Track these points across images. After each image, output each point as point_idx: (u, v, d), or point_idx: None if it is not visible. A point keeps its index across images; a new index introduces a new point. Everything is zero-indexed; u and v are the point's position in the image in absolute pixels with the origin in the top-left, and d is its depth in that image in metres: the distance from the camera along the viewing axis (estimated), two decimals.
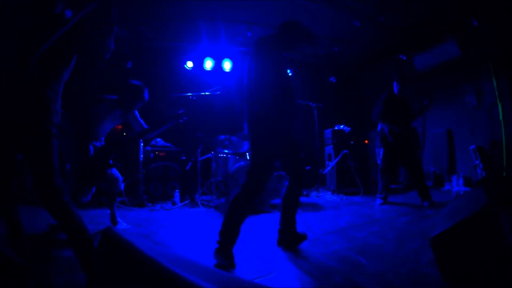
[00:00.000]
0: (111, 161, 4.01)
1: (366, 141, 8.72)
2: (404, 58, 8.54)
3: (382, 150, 5.98)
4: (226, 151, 6.57)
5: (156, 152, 7.04)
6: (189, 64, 8.29)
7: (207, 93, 6.61)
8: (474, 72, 7.44)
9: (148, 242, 2.19)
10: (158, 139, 7.25)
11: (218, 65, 8.37)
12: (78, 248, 2.45)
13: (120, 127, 6.81)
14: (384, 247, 3.32)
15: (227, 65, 8.36)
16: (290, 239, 3.43)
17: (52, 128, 2.52)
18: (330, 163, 7.92)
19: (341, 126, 8.02)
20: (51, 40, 2.42)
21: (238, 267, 2.84)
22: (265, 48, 3.46)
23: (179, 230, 4.36)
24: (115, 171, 4.26)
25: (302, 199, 6.79)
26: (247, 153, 6.44)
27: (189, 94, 6.57)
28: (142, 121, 4.47)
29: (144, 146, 6.73)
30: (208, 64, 8.27)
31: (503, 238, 2.13)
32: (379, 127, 6.02)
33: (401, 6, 6.60)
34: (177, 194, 6.33)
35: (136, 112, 4.47)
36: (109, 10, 2.64)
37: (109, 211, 4.38)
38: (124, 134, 6.17)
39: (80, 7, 2.51)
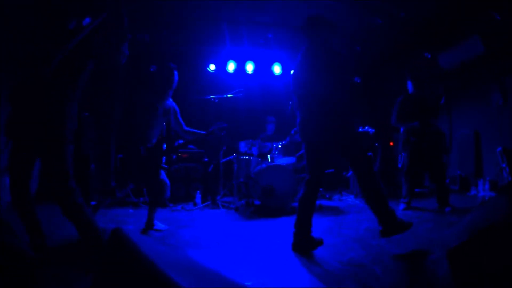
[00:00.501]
0: (163, 164, 4.12)
1: (391, 143, 8.58)
2: (429, 56, 8.32)
3: (405, 153, 5.86)
4: (248, 152, 6.60)
5: (179, 154, 7.13)
6: (212, 67, 8.36)
7: (229, 96, 6.64)
8: (499, 69, 7.18)
9: (158, 244, 2.20)
10: (181, 141, 7.34)
11: (240, 67, 8.41)
12: (88, 245, 2.62)
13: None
14: (402, 257, 3.27)
15: (249, 67, 8.39)
16: (304, 243, 3.41)
17: (67, 134, 2.67)
18: None
19: (366, 128, 7.90)
20: (66, 50, 2.52)
21: (248, 272, 2.84)
22: (325, 44, 3.66)
23: (196, 231, 4.39)
24: (165, 177, 4.32)
25: (325, 202, 6.80)
26: (269, 155, 6.45)
27: (212, 96, 6.62)
28: (182, 122, 4.57)
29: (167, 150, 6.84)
30: (231, 66, 8.33)
31: None
32: (401, 129, 5.92)
33: (420, 2, 6.45)
34: (198, 195, 6.38)
35: (178, 110, 4.57)
36: (121, 18, 2.72)
37: (131, 211, 4.47)
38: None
39: (93, 16, 2.60)
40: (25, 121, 2.65)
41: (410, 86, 5.85)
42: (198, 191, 6.49)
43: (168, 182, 4.52)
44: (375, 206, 3.43)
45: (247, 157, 6.39)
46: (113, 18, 2.69)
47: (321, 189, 7.20)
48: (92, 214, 2.75)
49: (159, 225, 4.38)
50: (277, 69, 8.63)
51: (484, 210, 2.93)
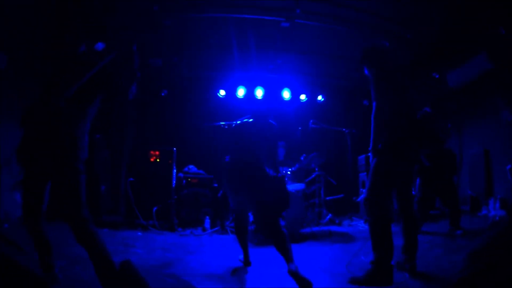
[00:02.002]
0: None
1: None
2: (437, 76, 8.29)
3: (418, 180, 5.83)
4: None
5: (189, 179, 7.16)
6: (222, 92, 8.47)
7: (238, 122, 6.68)
8: (508, 85, 7.13)
9: (166, 277, 2.22)
10: (191, 166, 7.39)
11: (250, 93, 8.50)
12: (99, 270, 2.62)
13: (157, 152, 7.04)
14: (410, 285, 3.21)
15: (259, 93, 8.47)
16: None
17: (79, 165, 2.75)
18: (363, 190, 7.78)
19: None
20: (79, 83, 2.63)
21: None
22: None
23: (203, 258, 4.36)
24: None
25: (334, 227, 6.74)
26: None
27: (222, 123, 6.67)
28: None
29: (176, 172, 6.89)
30: (241, 92, 8.42)
31: None
32: None
33: (425, 22, 6.49)
34: (207, 220, 6.39)
35: None
36: (131, 58, 2.81)
37: (140, 234, 4.40)
38: None
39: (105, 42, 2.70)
40: (37, 149, 2.71)
41: (427, 111, 5.85)
42: (207, 216, 6.49)
43: None
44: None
45: None
46: (125, 56, 2.78)
47: (330, 214, 7.18)
48: (103, 241, 2.75)
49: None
50: (286, 94, 8.70)
51: (492, 237, 2.89)
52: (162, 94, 8.42)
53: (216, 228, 6.26)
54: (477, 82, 7.40)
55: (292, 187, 6.33)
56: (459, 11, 6.09)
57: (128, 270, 1.92)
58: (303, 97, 8.96)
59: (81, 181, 2.74)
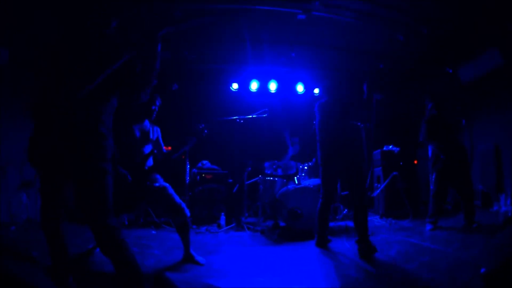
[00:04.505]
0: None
1: (415, 161, 8.45)
2: (450, 71, 8.19)
3: (434, 174, 5.78)
4: (273, 174, 6.56)
5: (203, 175, 7.11)
6: (235, 86, 8.41)
7: (253, 116, 6.60)
8: None
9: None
10: (205, 161, 7.34)
11: (263, 86, 8.43)
12: (127, 283, 2.40)
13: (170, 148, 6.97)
14: (436, 281, 3.22)
15: (272, 86, 8.40)
16: None
17: (106, 166, 2.43)
18: (379, 185, 7.71)
19: (390, 147, 7.80)
20: (103, 76, 2.39)
21: None
22: None
23: (224, 258, 4.26)
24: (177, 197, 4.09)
25: (350, 223, 6.67)
26: (296, 177, 6.40)
27: (236, 117, 6.59)
28: (162, 144, 4.39)
29: (190, 168, 6.83)
30: (254, 85, 8.35)
31: None
32: (430, 153, 5.85)
33: (442, 16, 6.37)
34: (223, 217, 6.34)
35: (160, 134, 4.42)
36: (155, 59, 2.65)
37: (154, 232, 4.34)
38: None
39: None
40: (53, 147, 2.38)
41: (430, 107, 5.81)
42: (223, 213, 6.44)
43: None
44: None
45: (272, 178, 6.34)
46: (147, 56, 2.61)
47: (346, 210, 7.13)
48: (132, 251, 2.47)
49: (198, 257, 4.02)
50: (300, 88, 8.62)
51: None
52: (173, 88, 8.34)
53: (232, 225, 6.21)
54: (488, 77, 7.30)
55: (309, 182, 6.28)
56: (473, 5, 5.97)
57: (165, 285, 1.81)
58: (317, 91, 8.86)
59: (107, 183, 2.42)
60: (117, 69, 2.46)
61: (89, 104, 2.40)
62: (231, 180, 6.99)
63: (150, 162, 4.13)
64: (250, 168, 6.69)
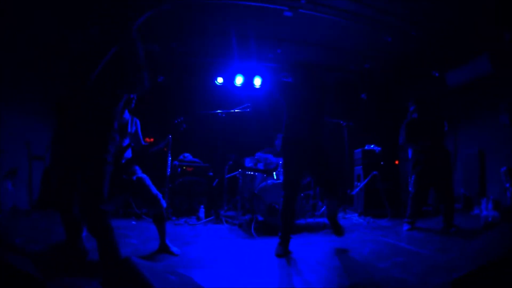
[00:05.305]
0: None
1: (397, 162, 8.54)
2: (437, 75, 8.28)
3: (414, 176, 5.82)
4: (253, 168, 6.56)
5: (184, 167, 7.11)
6: (220, 79, 8.39)
7: (236, 110, 6.61)
8: (508, 90, 7.14)
9: (167, 275, 2.18)
10: (187, 154, 7.32)
11: (248, 81, 8.42)
12: (106, 264, 2.70)
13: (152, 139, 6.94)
14: (407, 282, 3.19)
15: (257, 82, 8.40)
16: None
17: (107, 156, 2.78)
18: (358, 184, 7.77)
19: (372, 146, 7.87)
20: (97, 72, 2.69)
21: None
22: None
23: (200, 249, 4.31)
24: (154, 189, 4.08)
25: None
26: (274, 172, 6.41)
27: (219, 111, 6.59)
28: (141, 136, 4.37)
29: (172, 160, 6.80)
30: (239, 80, 8.34)
31: None
32: (410, 155, 5.90)
33: (433, 20, 6.44)
34: (202, 209, 6.35)
35: (139, 126, 4.38)
36: (136, 51, 2.78)
37: (134, 222, 4.36)
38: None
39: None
40: (72, 139, 2.74)
41: (412, 110, 5.86)
42: (202, 206, 6.45)
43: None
44: None
45: (252, 173, 6.36)
46: (128, 49, 2.75)
47: (325, 206, 7.17)
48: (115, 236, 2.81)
49: (173, 248, 4.06)
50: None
51: (489, 238, 2.89)
52: (159, 80, 8.31)
53: (210, 218, 6.23)
54: (475, 82, 7.42)
55: None
56: (465, 11, 6.04)
57: (129, 269, 1.88)
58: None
59: (105, 172, 2.75)
60: (108, 64, 2.76)
61: (101, 101, 2.79)
62: (211, 174, 6.99)
63: (129, 154, 4.11)
64: (231, 162, 6.70)
